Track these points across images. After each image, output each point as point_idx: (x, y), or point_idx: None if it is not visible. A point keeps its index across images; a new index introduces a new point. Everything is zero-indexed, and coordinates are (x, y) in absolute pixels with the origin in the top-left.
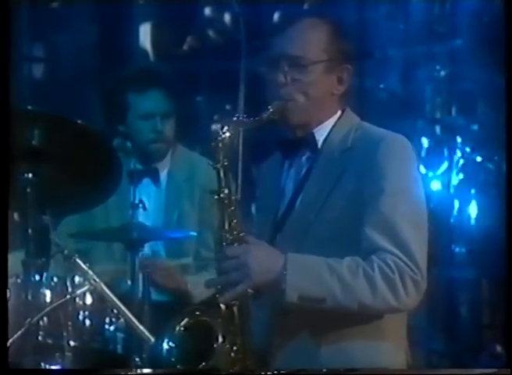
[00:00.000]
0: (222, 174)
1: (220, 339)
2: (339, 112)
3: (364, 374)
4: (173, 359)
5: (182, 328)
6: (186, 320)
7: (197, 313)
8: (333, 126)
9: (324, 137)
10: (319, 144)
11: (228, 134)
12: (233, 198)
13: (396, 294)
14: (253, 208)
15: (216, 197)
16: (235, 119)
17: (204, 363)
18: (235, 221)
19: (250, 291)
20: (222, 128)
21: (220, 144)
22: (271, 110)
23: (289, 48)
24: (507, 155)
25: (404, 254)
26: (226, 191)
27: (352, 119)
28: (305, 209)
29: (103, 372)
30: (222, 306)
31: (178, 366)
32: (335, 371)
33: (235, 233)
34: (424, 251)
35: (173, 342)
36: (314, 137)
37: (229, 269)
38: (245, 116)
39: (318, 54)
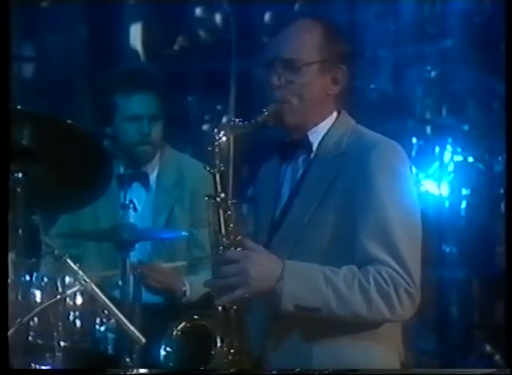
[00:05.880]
0: (218, 179)
1: (218, 343)
2: (334, 114)
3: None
4: (171, 364)
5: (179, 332)
6: (183, 324)
7: (195, 317)
8: (329, 129)
9: (319, 139)
10: (314, 146)
11: (224, 139)
12: (230, 202)
13: (391, 306)
14: (250, 212)
15: (213, 201)
16: (231, 123)
17: (202, 368)
18: (231, 225)
19: (245, 296)
20: (219, 132)
21: (216, 149)
22: (266, 113)
23: (283, 50)
24: (507, 155)
25: (399, 265)
26: (223, 196)
27: (347, 121)
28: (299, 213)
29: (93, 372)
30: (220, 309)
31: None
32: (335, 372)
33: (232, 237)
34: (418, 263)
35: (171, 346)
36: (308, 139)
37: (228, 274)
38: (241, 119)
39: (311, 55)
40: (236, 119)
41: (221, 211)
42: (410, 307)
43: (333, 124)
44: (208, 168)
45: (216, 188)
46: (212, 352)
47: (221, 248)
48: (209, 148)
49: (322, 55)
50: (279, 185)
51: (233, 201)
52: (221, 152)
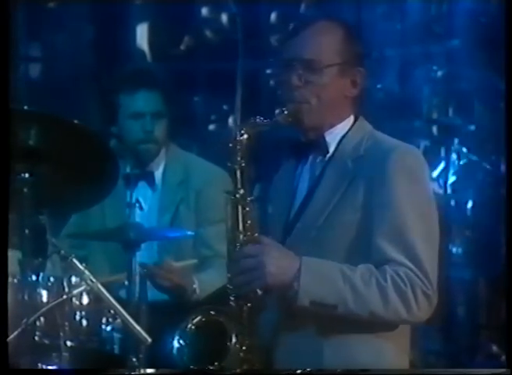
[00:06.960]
0: (238, 175)
1: (233, 339)
2: (351, 117)
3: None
4: (185, 358)
5: (194, 326)
6: (199, 318)
7: (212, 312)
8: (346, 133)
9: (336, 141)
10: (330, 147)
11: (246, 136)
12: (248, 199)
13: (408, 306)
14: (263, 212)
15: (232, 197)
16: (251, 121)
17: (216, 363)
18: (249, 222)
19: (259, 291)
20: (241, 130)
21: (238, 146)
22: (286, 112)
23: (303, 51)
24: (507, 156)
25: (416, 266)
26: (242, 192)
27: (365, 127)
28: (314, 214)
29: (100, 372)
30: (234, 306)
31: (190, 366)
32: (346, 372)
33: (249, 234)
34: (435, 265)
35: (184, 340)
36: (324, 139)
37: (246, 268)
38: (262, 117)
39: (331, 57)
40: (257, 118)
41: (240, 207)
42: (427, 308)
43: (351, 128)
44: (228, 164)
45: (236, 184)
46: (226, 348)
47: (238, 244)
48: (230, 145)
49: (342, 57)
50: (293, 186)
51: (252, 198)
52: (242, 149)
